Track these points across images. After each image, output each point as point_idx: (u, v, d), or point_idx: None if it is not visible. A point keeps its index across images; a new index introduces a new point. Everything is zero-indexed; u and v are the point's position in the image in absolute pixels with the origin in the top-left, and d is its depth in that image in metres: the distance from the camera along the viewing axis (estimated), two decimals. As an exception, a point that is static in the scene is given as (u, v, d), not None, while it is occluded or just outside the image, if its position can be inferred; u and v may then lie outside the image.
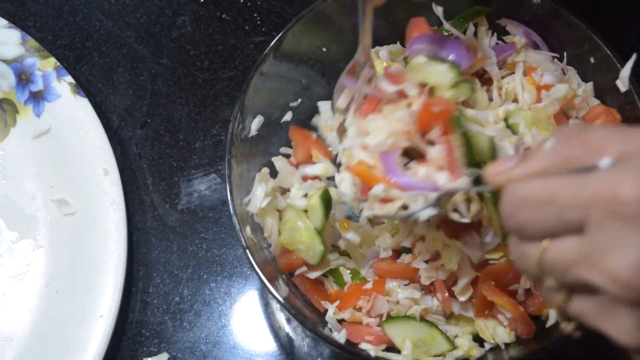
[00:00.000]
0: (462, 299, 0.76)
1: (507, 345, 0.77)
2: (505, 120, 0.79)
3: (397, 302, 0.78)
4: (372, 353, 0.76)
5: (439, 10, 0.84)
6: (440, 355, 0.77)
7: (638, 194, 0.45)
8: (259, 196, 0.80)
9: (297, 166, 0.85)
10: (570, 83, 0.83)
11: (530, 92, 0.81)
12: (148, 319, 0.90)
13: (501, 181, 0.55)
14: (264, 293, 0.91)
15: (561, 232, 0.50)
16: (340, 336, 0.76)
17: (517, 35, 0.85)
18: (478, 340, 0.79)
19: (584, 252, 0.48)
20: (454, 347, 0.77)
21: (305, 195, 0.81)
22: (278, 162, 0.84)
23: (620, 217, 0.46)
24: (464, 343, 0.78)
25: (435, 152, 0.69)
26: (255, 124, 0.83)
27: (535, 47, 0.86)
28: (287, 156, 0.87)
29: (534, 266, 0.52)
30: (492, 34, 0.86)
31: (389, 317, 0.79)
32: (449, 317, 0.80)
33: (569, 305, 0.52)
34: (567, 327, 0.55)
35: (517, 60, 0.83)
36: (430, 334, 0.77)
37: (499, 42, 0.86)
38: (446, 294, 0.76)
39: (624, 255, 0.46)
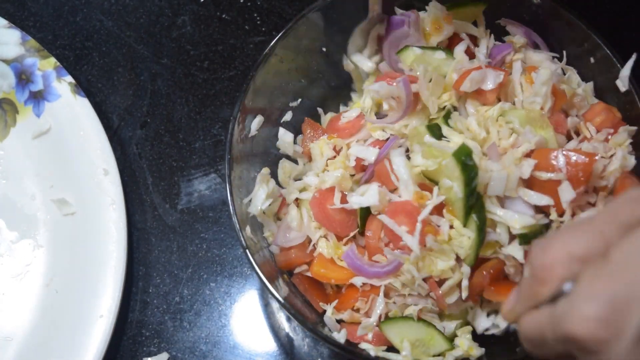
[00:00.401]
0: (450, 300, 0.76)
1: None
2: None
3: (394, 302, 0.78)
4: (372, 353, 0.76)
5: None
6: (439, 355, 0.77)
7: (587, 331, 0.50)
8: (260, 197, 0.80)
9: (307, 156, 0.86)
10: (570, 83, 0.83)
11: (528, 91, 0.81)
12: (148, 318, 0.90)
13: (513, 320, 0.61)
14: (264, 293, 0.91)
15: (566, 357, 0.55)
16: (340, 336, 0.76)
17: (517, 35, 0.85)
18: (478, 339, 0.79)
19: None
20: (453, 346, 0.77)
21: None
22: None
23: (585, 352, 0.51)
24: (464, 342, 0.78)
25: None
26: (255, 124, 0.83)
27: (535, 47, 0.86)
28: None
29: None
30: (490, 35, 0.87)
31: (387, 318, 0.78)
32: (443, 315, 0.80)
33: None
34: None
35: (514, 59, 0.83)
36: (429, 333, 0.77)
37: (497, 42, 0.86)
38: (440, 292, 0.76)
39: None
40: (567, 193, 0.72)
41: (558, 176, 0.73)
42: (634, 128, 0.79)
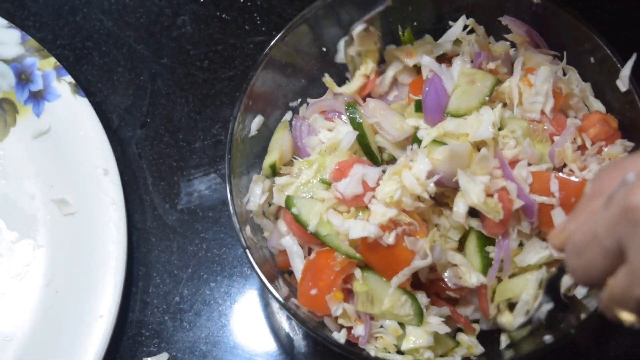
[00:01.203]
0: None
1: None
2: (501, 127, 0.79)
3: None
4: (372, 353, 0.76)
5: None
6: (445, 355, 0.77)
7: None
8: (256, 194, 0.81)
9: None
10: (570, 83, 0.83)
11: (527, 92, 0.81)
12: (148, 319, 0.90)
13: (562, 240, 0.59)
14: (264, 293, 0.91)
15: (614, 266, 0.53)
16: (340, 336, 0.76)
17: (518, 33, 0.85)
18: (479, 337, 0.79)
19: (634, 274, 0.52)
20: (457, 343, 0.77)
21: None
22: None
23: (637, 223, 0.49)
24: (464, 339, 0.78)
25: None
26: (255, 124, 0.83)
27: (536, 46, 0.86)
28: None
29: (617, 304, 0.55)
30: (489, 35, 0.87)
31: None
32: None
33: None
34: (629, 318, 0.57)
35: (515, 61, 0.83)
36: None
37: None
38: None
39: None
40: (559, 217, 0.75)
41: (551, 201, 0.75)
42: (631, 144, 0.79)
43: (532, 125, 0.79)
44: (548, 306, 0.71)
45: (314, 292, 0.75)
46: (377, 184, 0.76)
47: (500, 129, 0.79)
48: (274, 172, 0.84)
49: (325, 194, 0.77)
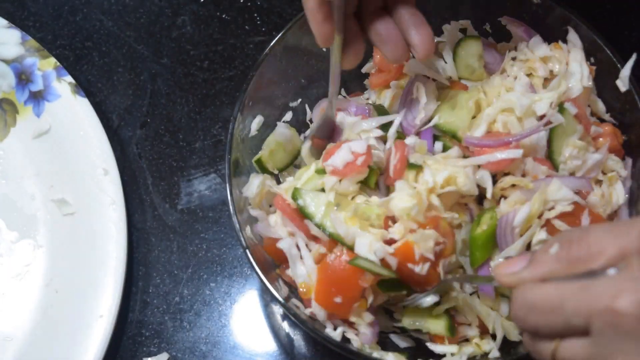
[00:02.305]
0: None
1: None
2: None
3: None
4: (372, 353, 0.76)
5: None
6: (452, 355, 0.77)
7: (634, 307, 0.49)
8: (254, 184, 0.81)
9: None
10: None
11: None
12: (148, 319, 0.90)
13: (511, 283, 0.59)
14: (264, 293, 0.91)
15: (569, 334, 0.54)
16: (336, 335, 0.76)
17: (517, 33, 0.85)
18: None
19: (591, 355, 0.52)
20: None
21: None
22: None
23: (619, 328, 0.50)
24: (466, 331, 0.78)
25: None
26: (255, 124, 0.83)
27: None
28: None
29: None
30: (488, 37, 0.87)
31: None
32: None
33: None
34: None
35: (519, 59, 0.83)
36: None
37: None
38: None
39: None
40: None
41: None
42: (630, 160, 0.80)
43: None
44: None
45: (338, 300, 0.74)
46: (368, 155, 0.76)
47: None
48: (263, 169, 0.84)
49: (324, 179, 0.77)
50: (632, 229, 0.53)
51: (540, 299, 0.55)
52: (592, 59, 0.82)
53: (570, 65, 0.80)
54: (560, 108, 0.77)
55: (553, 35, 0.84)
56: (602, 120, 0.83)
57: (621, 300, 0.49)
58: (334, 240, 0.74)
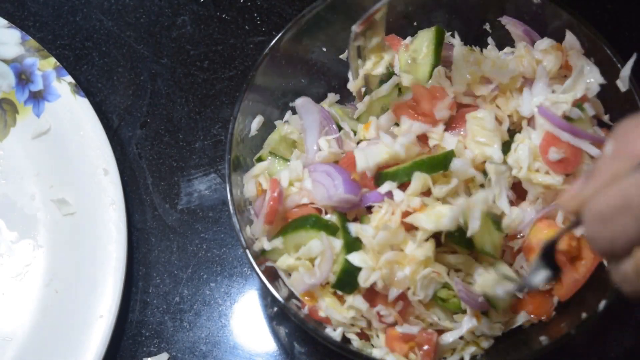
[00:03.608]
0: None
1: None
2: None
3: None
4: (373, 353, 0.76)
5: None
6: (454, 352, 0.77)
7: None
8: (253, 181, 0.82)
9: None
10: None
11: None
12: (148, 319, 0.90)
13: (577, 204, 0.54)
14: (264, 293, 0.91)
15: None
16: (336, 335, 0.76)
17: (518, 34, 0.85)
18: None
19: None
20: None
21: None
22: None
23: None
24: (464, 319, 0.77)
25: None
26: (255, 124, 0.83)
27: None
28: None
29: (638, 280, 0.51)
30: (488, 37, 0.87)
31: None
32: None
33: None
34: None
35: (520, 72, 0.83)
36: None
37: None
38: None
39: None
40: None
41: None
42: None
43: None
44: (544, 273, 0.68)
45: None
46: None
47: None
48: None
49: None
50: None
51: (607, 206, 0.50)
52: (592, 59, 0.82)
53: (581, 66, 0.80)
54: (580, 107, 0.77)
55: (553, 35, 0.84)
56: (601, 123, 0.83)
57: None
58: None
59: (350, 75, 0.88)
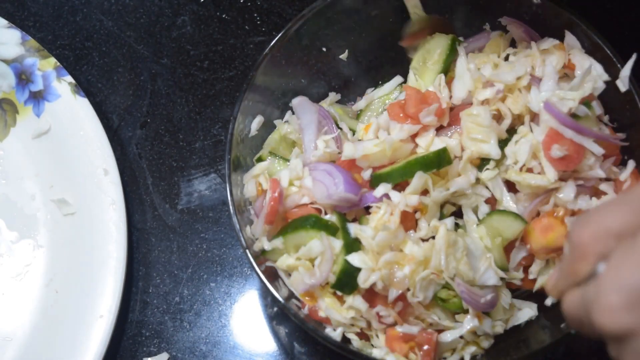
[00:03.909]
0: None
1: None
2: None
3: None
4: (373, 353, 0.76)
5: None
6: (455, 351, 0.77)
7: (611, 323, 0.50)
8: (252, 180, 0.82)
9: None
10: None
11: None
12: (148, 319, 0.90)
13: (557, 296, 0.62)
14: (264, 293, 0.91)
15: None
16: (337, 335, 0.76)
17: (518, 34, 0.85)
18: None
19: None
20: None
21: None
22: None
23: (616, 340, 0.52)
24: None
25: None
26: (255, 124, 0.83)
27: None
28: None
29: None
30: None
31: None
32: None
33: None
34: None
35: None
36: None
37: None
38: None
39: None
40: None
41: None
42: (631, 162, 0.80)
43: None
44: None
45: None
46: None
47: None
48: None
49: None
50: (616, 205, 0.54)
51: (570, 311, 0.58)
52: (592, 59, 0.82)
53: (589, 65, 0.80)
54: (588, 105, 0.77)
55: (553, 35, 0.84)
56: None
57: (601, 318, 0.51)
58: None
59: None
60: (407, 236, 0.75)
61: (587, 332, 0.56)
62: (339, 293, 0.76)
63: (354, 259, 0.74)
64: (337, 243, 0.75)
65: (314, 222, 0.76)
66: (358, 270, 0.74)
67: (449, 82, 0.83)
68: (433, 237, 0.75)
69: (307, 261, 0.77)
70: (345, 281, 0.75)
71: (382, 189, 0.77)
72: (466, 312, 0.76)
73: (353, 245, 0.75)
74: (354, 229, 0.76)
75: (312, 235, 0.76)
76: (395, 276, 0.74)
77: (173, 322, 0.90)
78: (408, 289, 0.74)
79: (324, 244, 0.75)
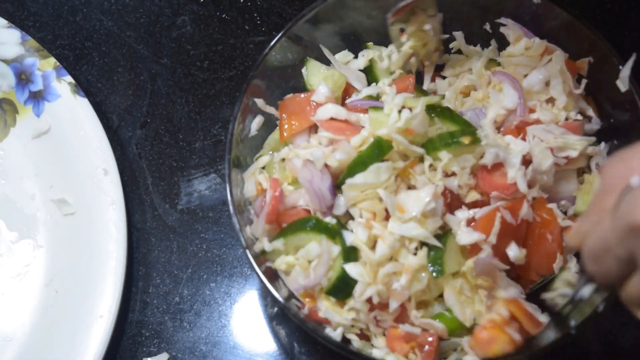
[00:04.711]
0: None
1: None
2: None
3: None
4: (373, 353, 0.76)
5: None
6: (455, 351, 0.77)
7: None
8: (252, 182, 0.82)
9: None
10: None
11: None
12: (148, 319, 0.90)
13: (578, 242, 0.61)
14: (264, 293, 0.91)
15: (629, 271, 0.56)
16: (336, 335, 0.76)
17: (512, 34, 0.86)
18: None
19: None
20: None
21: None
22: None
23: None
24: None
25: None
26: (255, 124, 0.83)
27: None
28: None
29: (634, 305, 0.59)
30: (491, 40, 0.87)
31: None
32: None
33: None
34: None
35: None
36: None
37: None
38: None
39: None
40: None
41: None
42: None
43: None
44: (590, 285, 0.71)
45: None
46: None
47: None
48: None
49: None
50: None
51: (594, 247, 0.58)
52: (592, 59, 0.82)
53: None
54: None
55: (553, 35, 0.84)
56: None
57: (636, 215, 0.51)
58: None
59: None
60: (402, 246, 0.75)
61: (608, 266, 0.57)
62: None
63: (352, 270, 0.74)
64: (336, 248, 0.75)
65: (313, 224, 0.76)
66: (354, 279, 0.74)
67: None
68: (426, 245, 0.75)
69: (305, 261, 0.77)
70: (340, 288, 0.75)
71: (343, 206, 0.78)
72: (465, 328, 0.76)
73: (350, 253, 0.75)
74: (349, 237, 0.76)
75: (312, 237, 0.76)
76: (393, 287, 0.74)
77: (173, 322, 0.90)
78: (409, 300, 0.75)
79: (322, 248, 0.75)
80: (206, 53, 1.01)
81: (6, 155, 0.95)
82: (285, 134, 0.82)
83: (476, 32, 0.88)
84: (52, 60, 0.95)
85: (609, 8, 1.00)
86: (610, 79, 0.80)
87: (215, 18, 1.02)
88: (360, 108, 0.82)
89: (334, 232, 0.76)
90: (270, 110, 0.84)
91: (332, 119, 0.81)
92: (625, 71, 0.78)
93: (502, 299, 0.74)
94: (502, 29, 0.86)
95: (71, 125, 0.93)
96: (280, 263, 0.78)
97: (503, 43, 0.87)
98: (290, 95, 0.84)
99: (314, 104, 0.82)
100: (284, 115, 0.83)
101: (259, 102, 0.82)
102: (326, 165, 0.78)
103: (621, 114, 0.81)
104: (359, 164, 0.76)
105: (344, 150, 0.77)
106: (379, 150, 0.76)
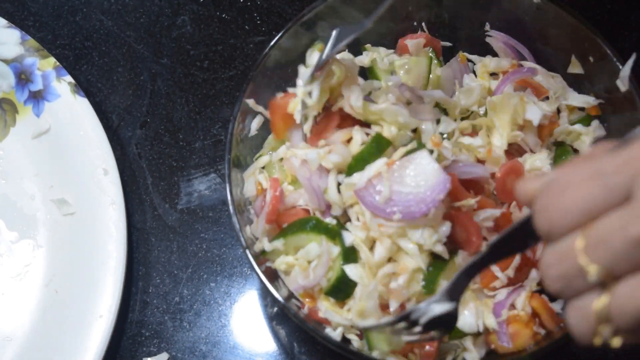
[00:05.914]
0: None
1: None
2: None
3: None
4: (372, 353, 0.76)
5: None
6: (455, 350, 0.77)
7: None
8: (252, 181, 0.82)
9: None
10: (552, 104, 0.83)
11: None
12: (148, 319, 0.90)
13: (536, 187, 0.50)
14: (264, 293, 0.91)
15: (605, 208, 0.46)
16: (336, 334, 0.76)
17: (499, 47, 0.86)
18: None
19: (635, 213, 0.45)
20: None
21: None
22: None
23: None
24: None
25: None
26: (255, 124, 0.83)
27: (521, 57, 0.86)
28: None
29: (574, 262, 0.47)
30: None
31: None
32: None
33: (618, 295, 0.48)
34: (614, 342, 0.51)
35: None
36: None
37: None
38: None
39: None
40: None
41: None
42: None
43: None
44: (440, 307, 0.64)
45: None
46: None
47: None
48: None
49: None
50: None
51: (573, 174, 0.48)
52: (592, 59, 0.82)
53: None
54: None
55: (553, 35, 0.84)
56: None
57: None
58: None
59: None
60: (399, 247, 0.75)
61: (587, 206, 0.46)
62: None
63: (351, 272, 0.74)
64: (335, 249, 0.75)
65: (314, 225, 0.76)
66: (353, 281, 0.74)
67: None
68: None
69: (305, 262, 0.77)
70: (339, 288, 0.75)
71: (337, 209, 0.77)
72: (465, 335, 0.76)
73: (349, 254, 0.75)
74: (349, 238, 0.76)
75: (312, 238, 0.76)
76: (391, 286, 0.74)
77: (173, 322, 0.90)
78: (408, 299, 0.75)
79: (322, 248, 0.75)
80: (206, 53, 1.01)
81: (6, 155, 0.95)
82: (276, 134, 0.82)
83: (475, 32, 0.88)
84: (52, 60, 0.95)
85: (609, 8, 1.00)
86: (611, 79, 0.80)
87: (215, 18, 1.02)
88: None
89: (334, 233, 0.76)
90: (259, 109, 0.83)
91: None
92: (625, 71, 0.78)
93: (526, 295, 0.75)
94: (487, 39, 0.86)
95: (71, 125, 0.93)
96: (280, 263, 0.78)
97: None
98: (280, 94, 0.83)
99: None
100: (273, 114, 0.82)
101: (250, 102, 0.81)
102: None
103: (621, 114, 0.81)
104: (360, 161, 0.76)
105: (339, 152, 0.77)
106: (377, 145, 0.75)
